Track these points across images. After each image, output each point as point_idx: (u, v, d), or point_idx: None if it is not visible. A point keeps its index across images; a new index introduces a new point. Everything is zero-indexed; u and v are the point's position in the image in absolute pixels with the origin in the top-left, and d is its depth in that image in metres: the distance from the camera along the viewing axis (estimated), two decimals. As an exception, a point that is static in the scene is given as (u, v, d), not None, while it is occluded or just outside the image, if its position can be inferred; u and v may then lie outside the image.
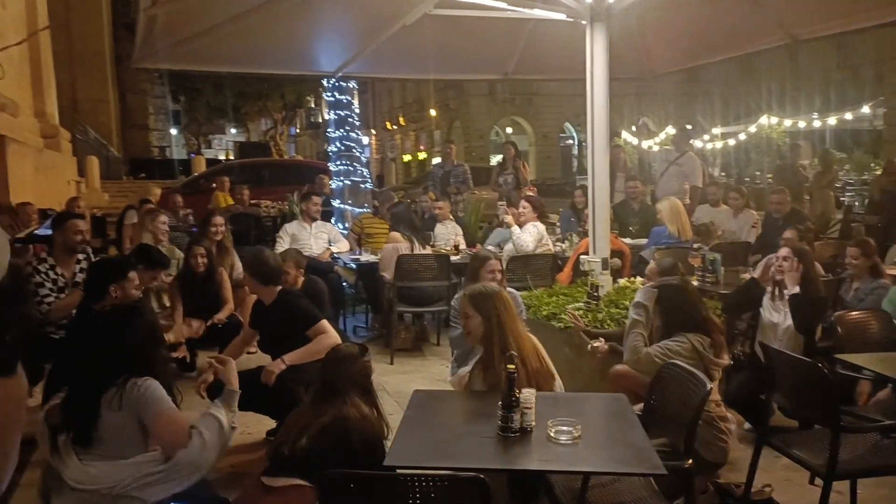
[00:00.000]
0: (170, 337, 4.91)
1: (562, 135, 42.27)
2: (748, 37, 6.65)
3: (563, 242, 7.55)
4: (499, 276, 4.64)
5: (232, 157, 37.96)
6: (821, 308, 4.55)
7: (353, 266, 7.55)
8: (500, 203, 8.51)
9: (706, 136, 24.07)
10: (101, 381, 2.74)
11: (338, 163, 9.82)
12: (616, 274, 6.02)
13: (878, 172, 13.78)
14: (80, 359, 2.98)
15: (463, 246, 7.69)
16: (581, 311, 4.87)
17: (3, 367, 0.55)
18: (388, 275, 6.65)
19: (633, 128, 25.36)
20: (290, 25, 6.04)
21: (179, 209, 9.95)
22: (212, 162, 27.62)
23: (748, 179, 21.71)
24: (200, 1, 5.29)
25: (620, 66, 6.57)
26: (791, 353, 3.81)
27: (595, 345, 4.31)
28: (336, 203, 9.85)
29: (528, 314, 4.81)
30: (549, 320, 5.01)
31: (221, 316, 5.70)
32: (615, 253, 6.21)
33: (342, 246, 7.73)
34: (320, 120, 44.36)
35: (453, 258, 7.01)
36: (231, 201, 11.09)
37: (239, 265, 6.66)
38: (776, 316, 4.53)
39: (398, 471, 2.40)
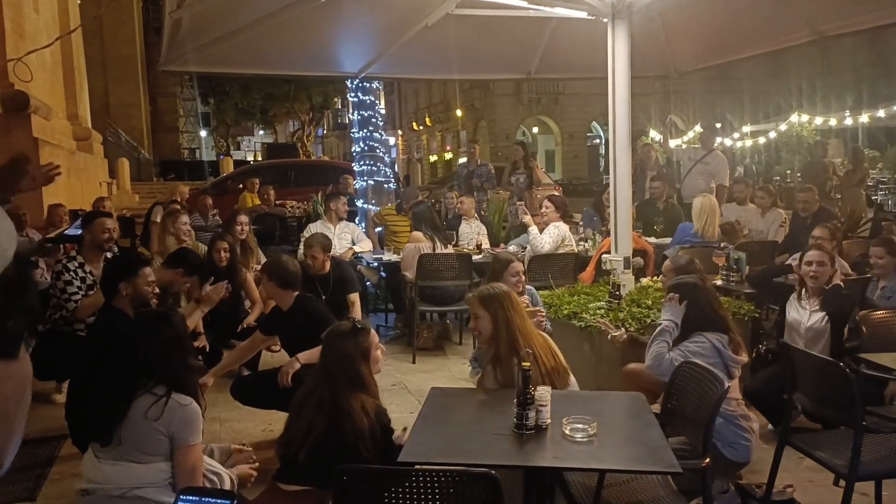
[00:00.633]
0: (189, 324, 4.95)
1: (588, 134, 42.06)
2: (774, 33, 6.57)
3: (586, 241, 7.52)
4: (522, 277, 4.64)
5: (260, 158, 38.35)
6: (849, 305, 4.48)
7: (376, 265, 7.60)
8: (518, 203, 8.50)
9: (735, 135, 23.81)
10: (130, 384, 2.77)
11: (361, 163, 9.87)
12: (640, 273, 5.99)
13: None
14: (106, 360, 3.03)
15: (486, 245, 7.70)
16: (602, 311, 4.85)
17: (4, 351, 0.58)
18: (410, 274, 6.68)
19: (661, 126, 25.17)
20: (312, 27, 6.09)
21: (208, 210, 10.07)
22: (239, 163, 27.96)
23: (777, 178, 21.42)
24: (224, 4, 5.35)
25: (644, 63, 6.54)
26: (814, 352, 3.77)
27: (614, 334, 4.28)
28: (360, 203, 9.91)
29: (548, 313, 4.80)
30: (569, 319, 5.00)
31: (251, 318, 5.76)
32: (638, 252, 6.17)
33: (365, 246, 7.78)
34: (346, 121, 44.57)
35: (475, 257, 7.02)
36: (258, 201, 11.21)
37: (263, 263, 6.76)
38: (801, 314, 4.48)
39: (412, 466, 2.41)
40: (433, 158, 48.99)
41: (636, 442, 2.73)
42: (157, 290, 4.07)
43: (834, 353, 4.15)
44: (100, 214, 5.65)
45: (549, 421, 2.70)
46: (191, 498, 1.12)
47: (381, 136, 10.08)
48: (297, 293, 4.42)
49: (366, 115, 9.67)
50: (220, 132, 44.99)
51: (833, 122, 21.44)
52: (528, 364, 2.74)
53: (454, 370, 6.16)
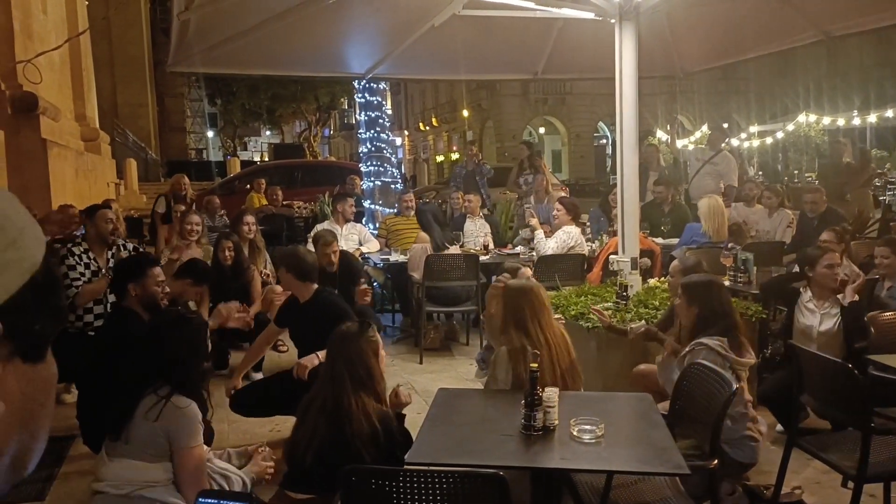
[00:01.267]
0: None
1: (595, 134, 41.99)
2: (781, 34, 6.56)
3: (593, 242, 7.51)
4: None
5: (267, 159, 38.41)
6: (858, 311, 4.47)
7: (382, 265, 7.61)
8: (526, 206, 8.49)
9: (743, 135, 23.75)
10: (140, 384, 2.79)
11: (368, 163, 9.88)
12: (646, 274, 5.98)
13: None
14: (118, 359, 3.05)
15: (492, 245, 7.70)
16: (610, 311, 4.85)
17: (32, 354, 0.58)
18: (417, 275, 6.69)
19: (668, 126, 25.11)
20: (319, 28, 6.10)
21: (216, 210, 10.11)
22: (246, 164, 28.02)
23: (786, 178, 21.35)
24: (232, 5, 5.37)
25: (651, 64, 6.53)
26: (823, 354, 3.76)
27: (632, 326, 4.27)
28: (367, 203, 9.92)
29: (555, 314, 4.80)
30: (577, 320, 4.99)
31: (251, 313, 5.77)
32: (645, 252, 6.16)
33: (372, 246, 7.79)
34: (353, 121, 44.67)
35: (482, 258, 7.02)
36: (265, 202, 11.24)
37: (270, 264, 6.78)
38: (811, 318, 4.46)
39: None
40: (440, 159, 49.00)
41: (644, 443, 2.73)
42: (167, 290, 4.08)
43: (847, 356, 4.14)
44: (100, 207, 5.61)
45: (556, 422, 2.71)
46: (209, 501, 1.13)
47: (388, 136, 10.09)
48: (316, 286, 4.41)
49: (372, 115, 9.68)
50: (228, 133, 45.13)
51: (841, 122, 21.37)
52: (536, 365, 2.74)
53: (461, 370, 6.16)
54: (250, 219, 6.90)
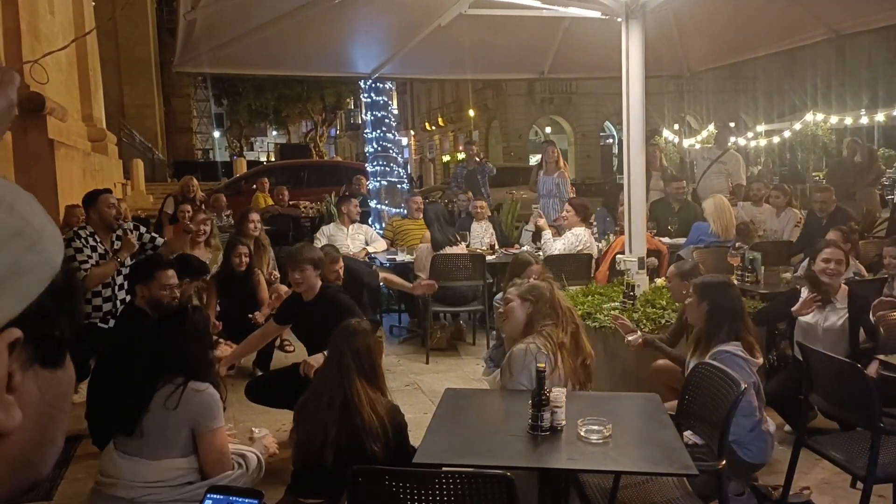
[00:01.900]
0: None
1: (602, 134, 41.90)
2: (789, 32, 6.53)
3: (600, 242, 7.49)
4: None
5: (273, 159, 38.48)
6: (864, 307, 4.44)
7: (389, 265, 7.61)
8: (534, 206, 8.46)
9: (750, 134, 23.65)
10: (153, 376, 2.81)
11: (374, 163, 9.88)
12: (654, 273, 5.97)
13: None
14: (131, 354, 3.08)
15: (497, 245, 7.69)
16: (617, 311, 4.83)
17: (51, 360, 0.58)
18: (423, 274, 6.68)
19: (676, 126, 25.05)
20: (325, 28, 6.11)
21: (223, 209, 10.13)
22: (253, 164, 28.08)
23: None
24: (238, 5, 5.38)
25: (657, 63, 6.51)
26: (831, 353, 3.74)
27: (629, 339, 4.26)
28: (373, 203, 9.92)
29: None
30: (584, 320, 4.98)
31: (260, 317, 5.77)
32: (652, 252, 6.14)
33: (379, 246, 7.79)
34: (359, 121, 44.70)
35: (489, 258, 7.01)
36: (270, 202, 11.25)
37: (274, 264, 6.79)
38: (815, 315, 4.44)
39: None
40: (446, 158, 48.97)
41: (651, 443, 2.72)
42: (175, 294, 4.11)
43: (852, 355, 4.12)
44: (100, 192, 5.55)
45: (564, 422, 2.70)
46: (217, 497, 1.13)
47: (394, 136, 10.08)
48: (320, 283, 4.42)
49: (379, 115, 9.68)
50: (234, 133, 45.17)
51: (848, 120, 21.27)
52: (543, 365, 2.73)
53: (468, 370, 6.15)
54: (255, 216, 6.91)
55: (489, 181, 10.93)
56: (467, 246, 7.45)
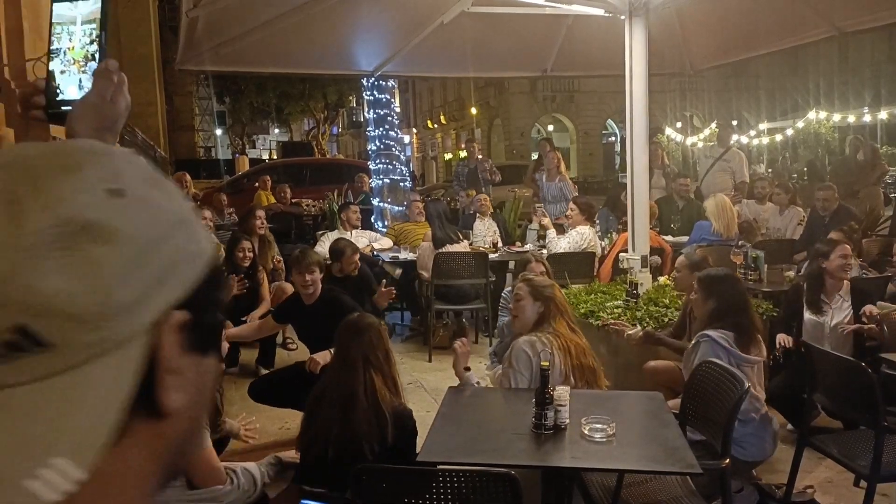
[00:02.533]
0: None
1: (604, 132, 41.87)
2: (792, 30, 6.51)
3: (603, 240, 7.48)
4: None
5: (275, 157, 38.48)
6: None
7: (391, 261, 7.61)
8: (537, 205, 8.45)
9: (752, 132, 23.64)
10: None
11: (377, 161, 9.88)
12: (657, 272, 5.96)
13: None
14: None
15: (501, 244, 7.68)
16: (620, 310, 4.83)
17: (202, 346, 0.59)
18: (425, 273, 6.68)
19: (678, 124, 25.01)
20: (328, 26, 6.10)
21: (224, 208, 10.14)
22: (255, 161, 28.09)
23: (795, 175, 21.22)
24: (240, 3, 5.37)
25: (660, 61, 6.51)
26: (836, 352, 3.74)
27: (629, 332, 4.25)
28: (375, 202, 9.92)
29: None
30: (586, 318, 4.98)
31: (257, 313, 5.78)
32: (655, 250, 6.13)
33: (384, 243, 7.81)
34: (361, 119, 44.70)
35: (492, 256, 7.00)
36: (273, 200, 11.25)
37: (280, 258, 6.80)
38: (823, 316, 4.43)
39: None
40: (448, 156, 48.95)
41: (655, 442, 2.71)
42: None
43: (857, 353, 4.11)
44: None
45: (567, 421, 2.69)
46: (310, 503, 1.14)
47: (397, 134, 10.07)
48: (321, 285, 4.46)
49: (381, 113, 9.67)
50: (236, 130, 45.15)
51: (851, 118, 21.24)
52: (547, 364, 2.73)
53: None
54: (261, 213, 6.91)
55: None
56: (471, 244, 7.44)
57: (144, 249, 0.50)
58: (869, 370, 3.20)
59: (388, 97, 9.77)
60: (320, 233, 8.69)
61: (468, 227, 7.97)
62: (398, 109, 10.52)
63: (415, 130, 52.97)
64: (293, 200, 11.32)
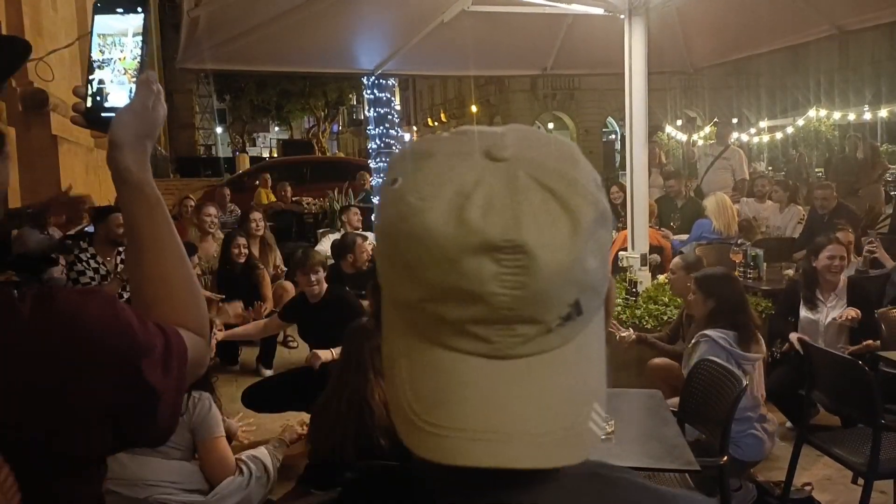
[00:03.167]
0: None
1: (604, 130, 41.87)
2: (793, 28, 6.51)
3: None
4: None
5: (276, 155, 38.49)
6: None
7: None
8: None
9: (752, 130, 23.63)
10: None
11: (378, 159, 9.90)
12: (657, 270, 5.97)
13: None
14: None
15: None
16: (619, 308, 4.84)
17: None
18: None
19: (679, 122, 25.00)
20: (328, 24, 6.10)
21: (227, 203, 10.13)
22: (255, 159, 28.10)
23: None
24: (242, 2, 5.38)
25: (661, 59, 6.50)
26: (833, 350, 3.75)
27: (623, 335, 4.27)
28: (376, 200, 9.92)
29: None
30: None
31: (262, 312, 5.79)
32: (655, 249, 6.15)
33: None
34: (362, 117, 44.69)
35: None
36: (273, 198, 11.26)
37: (281, 261, 6.80)
38: (817, 314, 4.44)
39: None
40: (448, 154, 48.90)
41: (654, 439, 2.73)
42: None
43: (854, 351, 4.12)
44: (113, 209, 5.64)
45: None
46: None
47: (397, 132, 10.09)
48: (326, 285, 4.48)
49: (382, 111, 9.68)
50: (236, 128, 45.19)
51: (851, 116, 21.23)
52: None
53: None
54: (257, 215, 6.91)
55: None
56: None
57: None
58: (867, 368, 3.22)
59: (389, 95, 9.80)
60: (321, 231, 8.70)
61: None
62: (398, 107, 10.55)
63: (415, 128, 52.93)
64: (294, 199, 11.32)
